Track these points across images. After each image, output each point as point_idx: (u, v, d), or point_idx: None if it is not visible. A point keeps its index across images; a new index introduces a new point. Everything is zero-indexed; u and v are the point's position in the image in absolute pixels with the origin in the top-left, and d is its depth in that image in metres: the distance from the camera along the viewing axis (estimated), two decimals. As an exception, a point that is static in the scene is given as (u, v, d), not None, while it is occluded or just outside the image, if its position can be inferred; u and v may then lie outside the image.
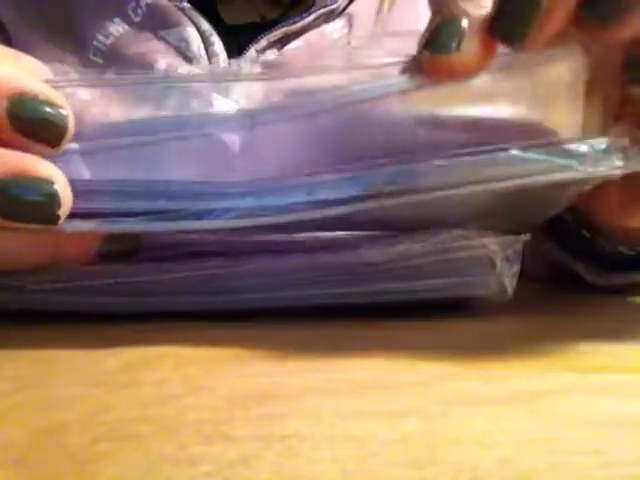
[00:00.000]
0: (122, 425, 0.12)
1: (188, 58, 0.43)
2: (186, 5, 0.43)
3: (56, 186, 0.19)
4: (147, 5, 0.43)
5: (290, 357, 0.17)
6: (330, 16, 0.44)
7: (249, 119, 0.21)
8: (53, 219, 0.19)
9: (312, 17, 0.43)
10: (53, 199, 0.19)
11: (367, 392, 0.14)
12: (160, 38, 0.42)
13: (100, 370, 0.16)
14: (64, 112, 0.19)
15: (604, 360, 0.17)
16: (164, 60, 0.42)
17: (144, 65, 0.41)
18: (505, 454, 0.11)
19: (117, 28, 0.42)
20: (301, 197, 0.20)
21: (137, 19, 0.42)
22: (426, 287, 0.22)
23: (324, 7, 0.44)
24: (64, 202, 0.19)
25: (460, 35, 0.20)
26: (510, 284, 0.22)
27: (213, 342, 0.19)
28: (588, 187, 0.22)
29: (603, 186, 0.22)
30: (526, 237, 0.22)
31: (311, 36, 0.43)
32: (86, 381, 0.15)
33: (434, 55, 0.20)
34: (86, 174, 0.20)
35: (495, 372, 0.16)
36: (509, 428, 0.12)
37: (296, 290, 0.22)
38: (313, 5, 0.44)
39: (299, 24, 0.43)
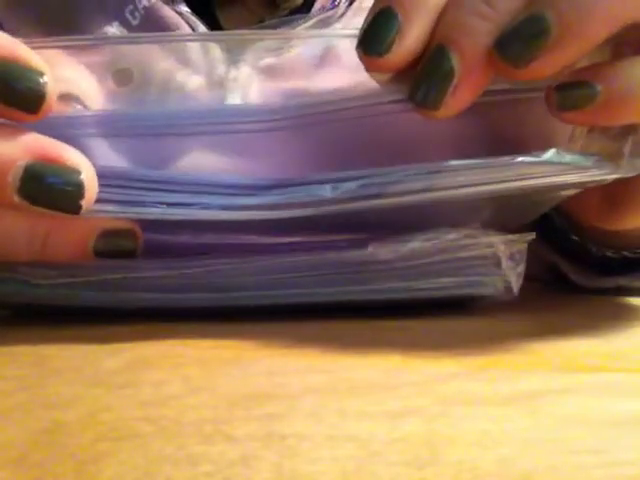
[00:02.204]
0: (122, 425, 0.12)
1: (185, 62, 0.43)
2: (184, 9, 0.43)
3: (82, 176, 0.19)
4: (145, 8, 0.43)
5: (290, 357, 0.17)
6: (329, 22, 0.44)
7: (269, 115, 0.21)
8: (75, 209, 0.19)
9: (311, 22, 0.43)
10: (78, 189, 0.19)
11: (367, 392, 0.14)
12: None
13: (100, 370, 0.16)
14: (43, 78, 0.18)
15: (604, 360, 0.17)
16: (161, 64, 0.42)
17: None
18: (505, 454, 0.11)
19: (115, 32, 0.42)
20: (328, 191, 0.20)
21: (135, 22, 0.42)
22: (433, 286, 0.22)
23: (323, 13, 0.44)
24: (88, 193, 0.19)
25: (391, 35, 0.19)
26: (516, 283, 0.22)
27: (213, 342, 0.19)
28: (576, 190, 0.23)
29: (583, 191, 0.22)
30: (531, 236, 0.22)
31: (310, 41, 0.44)
32: (86, 381, 0.15)
33: (364, 55, 0.20)
34: (109, 157, 0.20)
35: (495, 372, 0.16)
36: (509, 428, 0.12)
37: (304, 288, 0.22)
38: (311, 10, 0.44)
39: (298, 29, 0.43)
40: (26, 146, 0.18)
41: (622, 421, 0.13)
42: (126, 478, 0.10)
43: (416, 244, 0.21)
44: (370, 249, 0.21)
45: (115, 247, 0.21)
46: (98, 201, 0.20)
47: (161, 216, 0.20)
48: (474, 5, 0.19)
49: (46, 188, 0.18)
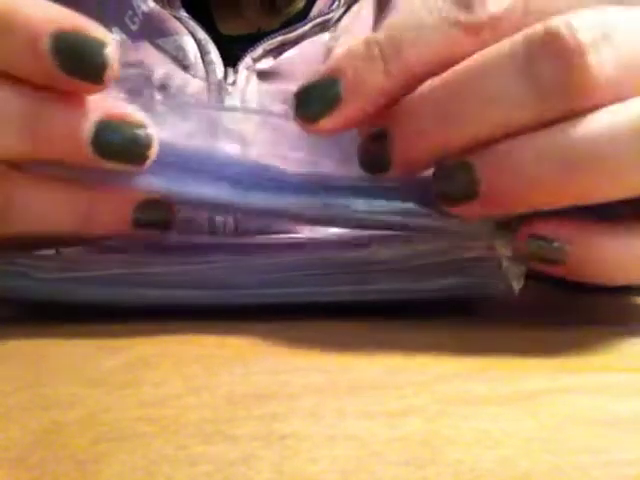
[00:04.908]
0: (122, 425, 0.12)
1: (185, 66, 0.43)
2: (183, 14, 0.43)
3: (149, 130, 0.20)
4: (144, 14, 0.43)
5: (291, 357, 0.17)
6: (326, 25, 0.45)
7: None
8: (142, 161, 0.20)
9: (308, 26, 0.44)
10: (147, 141, 0.20)
11: (367, 392, 0.14)
12: (157, 46, 0.43)
13: (100, 370, 0.16)
14: (107, 48, 0.19)
15: (604, 360, 0.17)
16: (161, 68, 0.43)
17: (141, 73, 0.42)
18: (505, 454, 0.11)
19: (115, 37, 0.42)
20: (360, 205, 0.20)
21: (134, 27, 0.43)
22: (434, 287, 0.22)
23: (320, 17, 0.44)
24: (153, 147, 0.20)
25: (324, 106, 0.19)
26: (517, 284, 0.22)
27: (213, 341, 0.19)
28: None
29: None
30: None
31: (306, 45, 0.44)
32: (86, 381, 0.15)
33: (296, 117, 0.20)
34: None
35: (495, 372, 0.16)
36: (509, 428, 0.12)
37: (304, 287, 0.22)
38: (309, 15, 0.45)
39: (295, 33, 0.43)
40: (96, 104, 0.20)
41: (622, 421, 0.13)
42: (126, 478, 0.10)
43: (416, 244, 0.21)
44: (371, 249, 0.21)
45: (153, 218, 0.22)
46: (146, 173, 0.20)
47: (198, 199, 0.21)
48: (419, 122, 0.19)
49: (117, 141, 0.20)
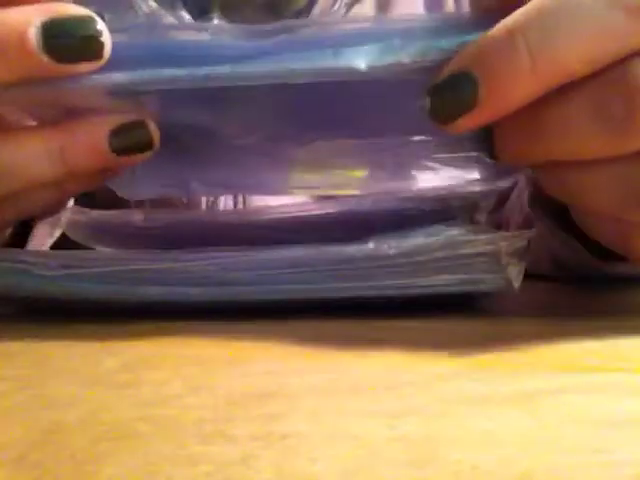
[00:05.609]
0: (122, 425, 0.12)
1: None
2: (184, 15, 0.43)
3: (99, 25, 0.19)
4: (145, 15, 0.43)
5: (290, 357, 0.17)
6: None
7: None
8: (99, 54, 0.19)
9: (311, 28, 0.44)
10: (99, 33, 0.19)
11: (367, 392, 0.14)
12: None
13: (100, 370, 0.16)
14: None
15: (604, 360, 0.17)
16: None
17: None
18: (505, 454, 0.11)
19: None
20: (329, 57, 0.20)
21: None
22: (434, 283, 0.22)
23: (323, 16, 0.44)
24: (107, 40, 0.19)
25: (459, 109, 0.18)
26: (516, 279, 0.22)
27: (213, 342, 0.19)
28: None
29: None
30: (532, 233, 0.22)
31: None
32: (86, 381, 0.15)
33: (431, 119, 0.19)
34: None
35: (495, 372, 0.16)
36: (509, 428, 0.12)
37: (304, 283, 0.22)
38: (310, 15, 0.45)
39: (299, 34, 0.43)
40: (35, 9, 0.19)
41: (622, 421, 0.13)
42: (126, 478, 0.10)
43: (417, 240, 0.21)
44: (371, 245, 0.21)
45: (131, 141, 0.21)
46: (107, 70, 0.20)
47: (171, 78, 0.20)
48: None
49: (69, 36, 0.19)
